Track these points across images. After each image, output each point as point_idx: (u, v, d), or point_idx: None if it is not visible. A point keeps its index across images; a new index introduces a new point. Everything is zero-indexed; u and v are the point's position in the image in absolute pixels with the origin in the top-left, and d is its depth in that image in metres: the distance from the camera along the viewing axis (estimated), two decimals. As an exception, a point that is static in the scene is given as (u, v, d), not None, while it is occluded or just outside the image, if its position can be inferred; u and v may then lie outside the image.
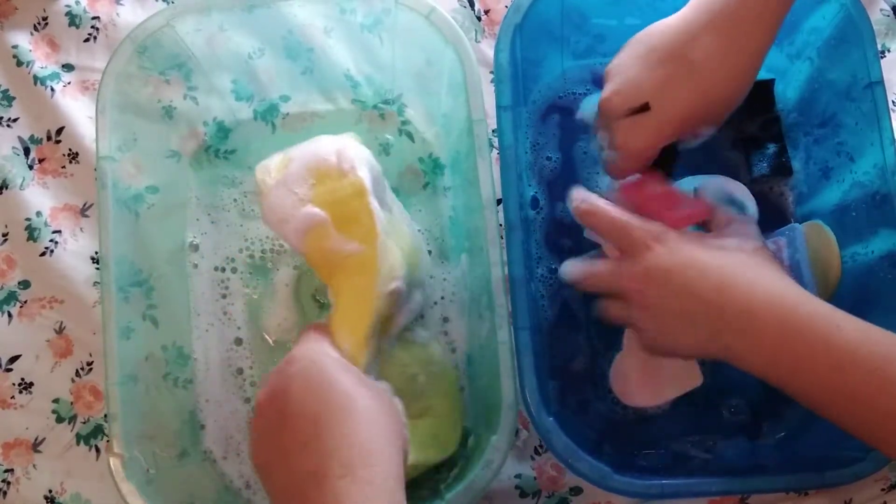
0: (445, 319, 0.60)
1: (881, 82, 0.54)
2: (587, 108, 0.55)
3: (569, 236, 0.61)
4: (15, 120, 0.65)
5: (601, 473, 0.49)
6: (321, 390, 0.43)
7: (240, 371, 0.60)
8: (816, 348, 0.44)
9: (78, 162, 0.64)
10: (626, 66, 0.52)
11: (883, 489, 0.57)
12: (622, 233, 0.50)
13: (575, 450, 0.49)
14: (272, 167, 0.52)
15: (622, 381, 0.57)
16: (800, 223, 0.59)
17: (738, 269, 0.48)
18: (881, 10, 0.66)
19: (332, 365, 0.45)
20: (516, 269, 0.52)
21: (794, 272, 0.55)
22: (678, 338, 0.49)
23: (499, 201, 0.53)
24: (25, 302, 0.62)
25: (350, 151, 0.51)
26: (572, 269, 0.53)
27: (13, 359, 0.61)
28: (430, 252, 0.61)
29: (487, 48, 0.66)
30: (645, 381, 0.56)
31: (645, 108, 0.50)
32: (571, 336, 0.59)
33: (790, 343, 0.45)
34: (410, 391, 0.53)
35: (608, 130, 0.53)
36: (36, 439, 0.60)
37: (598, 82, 0.63)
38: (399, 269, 0.51)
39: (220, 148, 0.64)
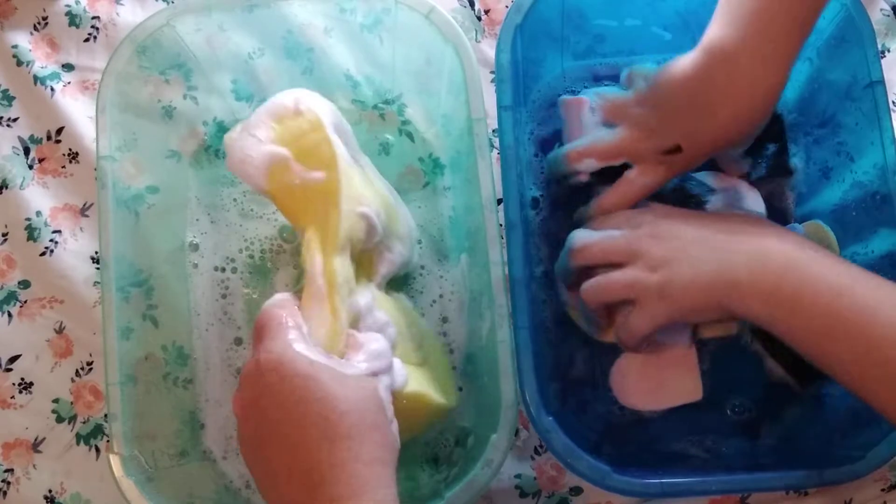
0: (445, 319, 0.60)
1: (882, 82, 0.54)
2: (554, 158, 0.58)
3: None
4: (15, 120, 0.65)
5: (601, 473, 0.49)
6: (296, 413, 0.41)
7: (240, 371, 0.60)
8: (818, 285, 0.46)
9: (78, 162, 0.64)
10: (638, 114, 0.54)
11: (883, 489, 0.57)
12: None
13: (574, 449, 0.49)
14: (236, 130, 0.52)
15: (622, 380, 0.57)
16: (800, 223, 0.59)
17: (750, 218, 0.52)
18: (881, 9, 0.66)
19: (304, 373, 0.42)
20: (516, 269, 0.52)
21: None
22: (686, 271, 0.49)
23: (499, 201, 0.53)
24: (25, 302, 0.62)
25: (307, 97, 0.52)
26: (585, 235, 0.54)
27: (13, 359, 0.61)
28: (420, 242, 0.61)
29: (487, 48, 0.66)
30: (645, 384, 0.56)
31: (678, 149, 0.52)
32: (571, 337, 0.59)
33: (791, 274, 0.46)
34: (410, 336, 0.53)
35: (638, 162, 0.54)
36: (36, 439, 0.60)
37: (599, 82, 0.63)
38: (368, 199, 0.51)
39: (220, 148, 0.64)
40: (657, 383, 0.56)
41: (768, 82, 0.49)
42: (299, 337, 0.44)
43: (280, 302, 0.47)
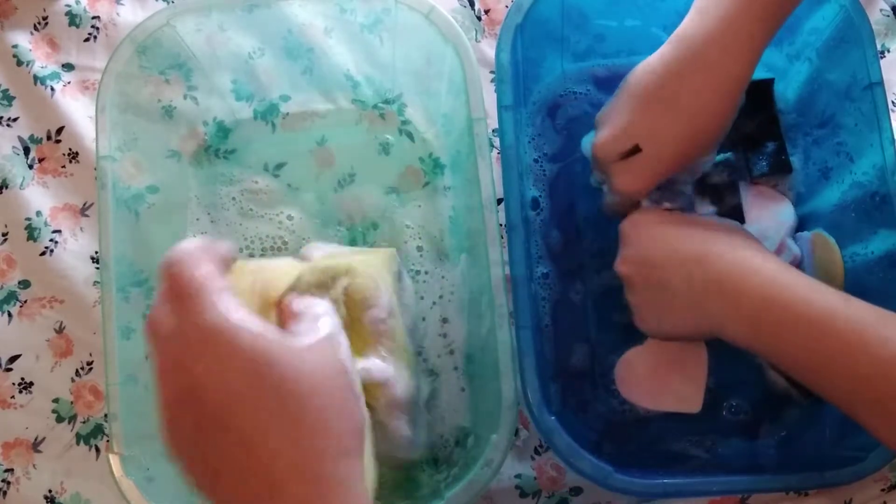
0: (445, 320, 0.60)
1: (881, 83, 0.54)
2: (586, 146, 0.56)
3: (569, 237, 0.61)
4: (15, 119, 0.65)
5: (603, 473, 0.49)
6: (247, 401, 0.33)
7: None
8: (797, 310, 0.45)
9: (78, 162, 0.64)
10: (615, 112, 0.52)
11: (883, 489, 0.57)
12: None
13: (576, 449, 0.49)
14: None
15: (627, 374, 0.57)
16: (802, 227, 0.59)
17: (719, 240, 0.50)
18: (881, 10, 0.66)
19: (250, 349, 0.33)
20: (517, 268, 0.52)
21: None
22: (663, 312, 0.51)
23: (499, 201, 0.53)
24: (25, 302, 0.62)
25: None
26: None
27: (13, 358, 0.61)
28: (420, 248, 0.61)
29: (487, 48, 0.66)
30: (649, 383, 0.57)
31: (636, 150, 0.51)
32: (571, 337, 0.59)
33: (769, 306, 0.46)
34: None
35: (604, 174, 0.54)
36: (36, 439, 0.60)
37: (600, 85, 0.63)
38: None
39: (220, 148, 0.64)
40: (661, 384, 0.56)
41: (734, 74, 0.49)
42: (233, 301, 0.35)
43: (198, 250, 0.36)
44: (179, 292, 0.35)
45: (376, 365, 0.48)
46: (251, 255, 0.62)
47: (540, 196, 0.62)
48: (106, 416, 0.55)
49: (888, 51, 0.66)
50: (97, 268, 0.62)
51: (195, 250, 0.36)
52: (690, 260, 0.49)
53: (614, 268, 0.53)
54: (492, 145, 0.64)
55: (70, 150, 0.64)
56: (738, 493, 0.58)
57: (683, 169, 0.53)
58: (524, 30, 0.55)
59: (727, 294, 0.47)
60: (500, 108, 0.54)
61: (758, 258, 0.48)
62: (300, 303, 0.40)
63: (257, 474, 0.33)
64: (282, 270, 0.46)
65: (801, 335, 0.45)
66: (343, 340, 0.38)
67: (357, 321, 0.49)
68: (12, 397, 0.61)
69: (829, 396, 0.46)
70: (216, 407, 0.34)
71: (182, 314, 0.34)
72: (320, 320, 0.38)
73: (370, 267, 0.50)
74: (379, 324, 0.49)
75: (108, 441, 0.59)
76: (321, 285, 0.48)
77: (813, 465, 0.51)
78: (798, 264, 0.58)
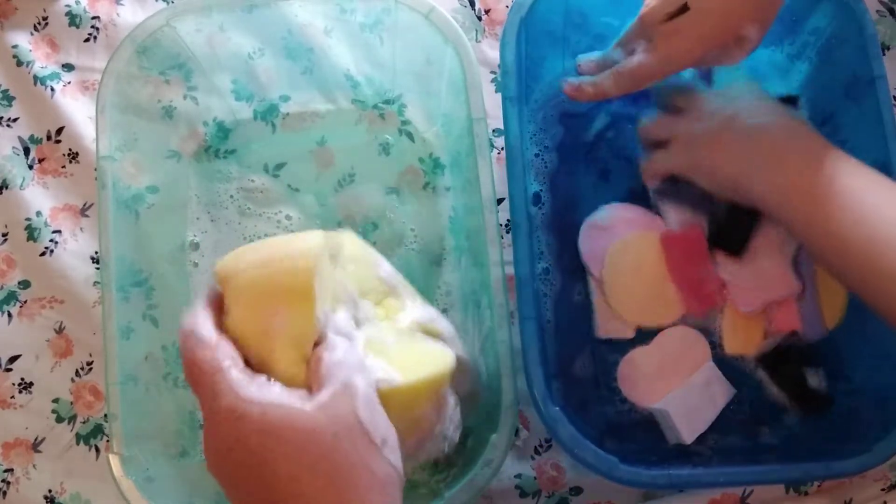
0: (445, 319, 0.60)
1: (884, 77, 0.54)
2: (582, 58, 0.57)
3: (569, 233, 0.61)
4: (15, 120, 0.65)
5: (608, 464, 0.48)
6: (265, 476, 0.34)
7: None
8: (836, 178, 0.47)
9: (78, 162, 0.64)
10: None
11: (883, 489, 0.57)
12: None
13: (581, 440, 0.49)
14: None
15: (632, 372, 0.57)
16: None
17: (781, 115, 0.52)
18: (877, 10, 0.66)
19: (258, 426, 0.34)
20: (522, 261, 0.51)
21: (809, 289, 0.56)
22: (714, 149, 0.52)
23: (499, 201, 0.53)
24: (25, 302, 0.62)
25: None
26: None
27: (13, 359, 0.61)
28: (419, 248, 0.61)
29: (488, 48, 0.66)
30: (653, 382, 0.57)
31: (684, 8, 0.50)
32: (572, 337, 0.59)
33: (811, 170, 0.47)
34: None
35: (649, 41, 0.53)
36: (36, 439, 0.60)
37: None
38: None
39: (220, 148, 0.64)
40: (665, 384, 0.56)
41: None
42: (240, 378, 0.35)
43: (197, 331, 0.37)
44: (195, 386, 0.37)
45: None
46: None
47: (541, 191, 0.61)
48: (106, 416, 0.55)
49: (888, 48, 0.66)
50: (97, 268, 0.62)
51: (193, 327, 0.37)
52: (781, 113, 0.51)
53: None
54: (492, 145, 0.64)
55: (70, 150, 0.64)
56: (746, 484, 0.57)
57: (730, 43, 0.52)
58: (528, 24, 0.55)
59: (778, 153, 0.49)
60: (505, 99, 0.53)
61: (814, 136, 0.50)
62: (328, 362, 0.36)
63: None
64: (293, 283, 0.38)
65: (832, 224, 0.46)
66: (360, 383, 0.36)
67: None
68: (12, 397, 0.61)
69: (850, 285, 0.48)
70: (245, 482, 0.35)
71: (202, 405, 0.37)
72: (336, 367, 0.36)
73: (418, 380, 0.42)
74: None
75: (107, 441, 0.59)
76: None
77: (818, 459, 0.50)
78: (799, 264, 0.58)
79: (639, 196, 0.59)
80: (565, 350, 0.59)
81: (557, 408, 0.49)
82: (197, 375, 0.36)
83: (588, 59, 0.57)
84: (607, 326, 0.58)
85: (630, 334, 0.57)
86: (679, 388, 0.56)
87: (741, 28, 0.51)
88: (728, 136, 0.52)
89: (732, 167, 0.51)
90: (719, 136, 0.52)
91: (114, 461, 0.50)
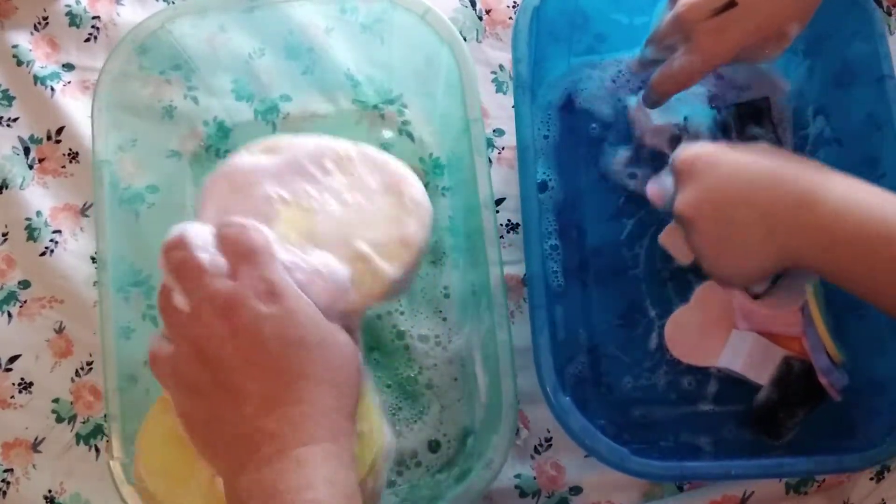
0: (445, 320, 0.60)
1: (893, 76, 0.54)
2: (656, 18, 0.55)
3: (570, 234, 0.61)
4: (15, 120, 0.65)
5: (619, 455, 0.48)
6: (297, 356, 0.39)
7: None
8: (871, 225, 0.44)
9: (78, 162, 0.64)
10: None
11: (871, 477, 0.57)
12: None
13: (592, 431, 0.48)
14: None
15: (678, 333, 0.57)
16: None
17: (788, 165, 0.47)
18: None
19: (308, 320, 0.41)
20: (533, 250, 0.51)
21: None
22: (737, 248, 0.48)
23: (498, 202, 0.53)
24: (25, 302, 0.62)
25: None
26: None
27: (13, 358, 0.61)
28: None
29: (489, 48, 0.66)
30: (700, 340, 0.57)
31: (731, 4, 0.49)
32: (572, 336, 0.59)
33: (843, 222, 0.44)
34: None
35: (687, 40, 0.52)
36: (36, 439, 0.60)
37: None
38: None
39: (220, 148, 0.64)
40: (714, 341, 0.56)
41: None
42: (283, 269, 0.42)
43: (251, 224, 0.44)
44: (245, 254, 0.42)
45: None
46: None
47: (549, 180, 0.62)
48: (106, 416, 0.55)
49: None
50: (97, 268, 0.62)
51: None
52: (762, 187, 0.47)
53: (675, 210, 0.50)
54: (492, 145, 0.64)
55: (70, 150, 0.64)
56: (758, 477, 0.56)
57: (771, 36, 0.51)
58: (539, 16, 0.55)
59: (802, 214, 0.45)
60: (517, 87, 0.53)
61: (831, 176, 0.46)
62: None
63: (278, 405, 0.39)
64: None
65: (873, 250, 0.44)
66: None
67: None
68: (12, 397, 0.61)
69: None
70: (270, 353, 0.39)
71: (247, 269, 0.41)
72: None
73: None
74: None
75: (107, 441, 0.59)
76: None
77: (826, 453, 0.50)
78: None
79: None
80: (567, 351, 0.59)
81: (567, 397, 0.49)
82: (252, 245, 0.43)
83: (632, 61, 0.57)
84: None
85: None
86: (730, 342, 0.56)
87: (785, 25, 0.50)
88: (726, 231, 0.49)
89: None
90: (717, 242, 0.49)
91: (115, 466, 0.50)
